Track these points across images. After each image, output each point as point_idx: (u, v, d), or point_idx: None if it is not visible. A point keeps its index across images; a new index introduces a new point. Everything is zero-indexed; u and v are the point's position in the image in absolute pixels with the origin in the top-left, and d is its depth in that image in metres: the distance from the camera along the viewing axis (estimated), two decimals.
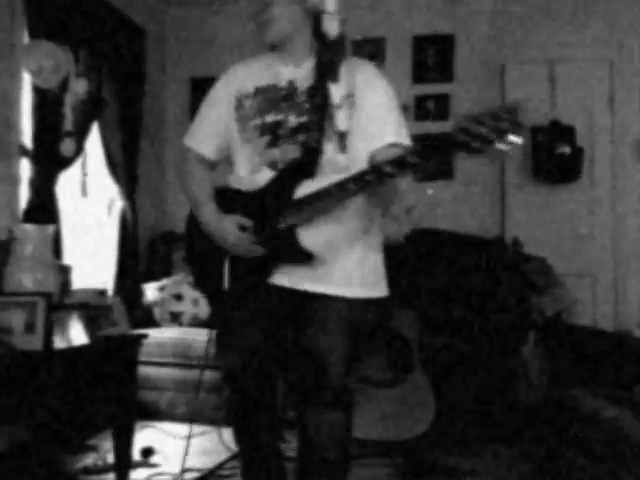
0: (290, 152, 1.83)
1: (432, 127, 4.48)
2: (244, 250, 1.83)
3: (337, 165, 1.81)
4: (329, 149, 1.81)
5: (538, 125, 4.27)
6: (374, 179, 1.60)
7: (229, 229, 1.84)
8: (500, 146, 1.40)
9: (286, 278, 1.85)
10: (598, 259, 4.30)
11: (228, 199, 1.92)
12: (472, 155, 1.46)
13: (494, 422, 3.28)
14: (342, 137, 1.82)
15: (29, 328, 2.30)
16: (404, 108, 1.79)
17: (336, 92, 1.81)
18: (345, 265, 1.85)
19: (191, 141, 2.01)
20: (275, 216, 1.80)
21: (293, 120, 1.84)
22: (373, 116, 1.85)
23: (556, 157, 4.18)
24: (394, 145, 1.82)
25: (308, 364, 1.85)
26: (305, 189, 1.76)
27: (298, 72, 1.89)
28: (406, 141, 1.85)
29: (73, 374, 2.37)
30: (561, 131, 4.19)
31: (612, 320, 4.23)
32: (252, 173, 1.88)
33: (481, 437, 3.22)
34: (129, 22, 4.16)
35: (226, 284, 1.91)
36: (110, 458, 2.78)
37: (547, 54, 4.40)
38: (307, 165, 1.80)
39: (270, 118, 1.86)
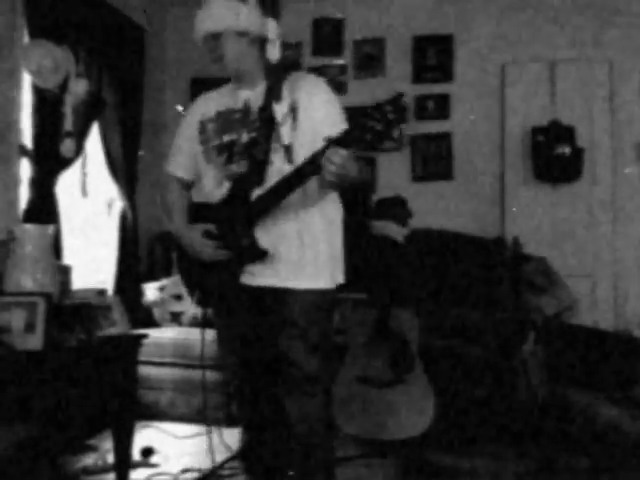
0: (244, 166, 2.05)
1: (432, 127, 4.49)
2: (208, 255, 2.05)
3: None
4: (277, 160, 2.02)
5: (538, 125, 4.27)
6: (295, 180, 1.88)
7: (194, 237, 2.07)
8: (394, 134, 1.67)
9: (251, 277, 2.04)
10: (598, 259, 4.30)
11: (199, 212, 2.15)
12: (372, 149, 1.64)
13: (494, 422, 3.27)
14: (287, 150, 2.03)
15: (29, 328, 2.30)
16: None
17: (279, 110, 2.04)
18: (313, 260, 2.04)
19: (169, 167, 2.28)
20: (235, 222, 2.02)
21: (245, 137, 2.06)
22: (314, 122, 2.03)
23: (556, 157, 4.19)
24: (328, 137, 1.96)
25: (279, 358, 2.06)
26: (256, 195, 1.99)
27: (252, 94, 2.11)
28: (341, 127, 1.93)
29: (73, 374, 2.37)
30: (561, 131, 4.19)
31: (612, 320, 4.23)
32: (215, 187, 2.10)
33: (481, 437, 3.22)
34: (129, 22, 4.16)
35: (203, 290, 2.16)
36: (110, 458, 2.78)
37: (547, 54, 4.40)
38: (255, 175, 2.02)
39: (227, 138, 2.09)
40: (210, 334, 3.63)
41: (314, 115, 2.03)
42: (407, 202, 3.72)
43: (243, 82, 2.13)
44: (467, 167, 4.44)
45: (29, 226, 2.69)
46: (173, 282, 4.13)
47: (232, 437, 3.10)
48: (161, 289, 4.08)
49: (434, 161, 4.49)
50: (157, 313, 4.04)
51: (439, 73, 4.52)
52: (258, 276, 2.03)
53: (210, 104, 2.19)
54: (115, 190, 4.02)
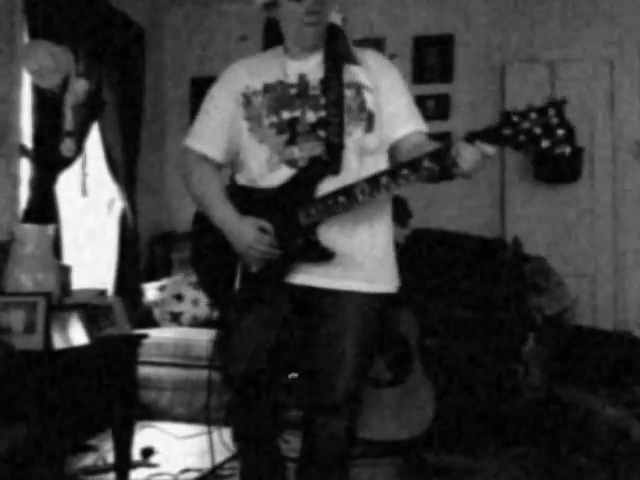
0: (311, 149, 1.78)
1: (432, 127, 4.48)
2: (260, 253, 1.76)
3: (367, 147, 1.81)
4: (357, 132, 1.79)
5: None
6: (410, 173, 1.63)
7: (248, 231, 1.76)
8: (545, 144, 1.51)
9: (300, 276, 1.79)
10: (598, 259, 4.30)
11: (242, 198, 1.84)
12: (520, 151, 1.53)
13: (494, 422, 3.27)
14: (371, 117, 1.81)
15: (29, 328, 2.30)
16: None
17: (358, 74, 1.82)
18: (365, 261, 1.81)
19: (196, 143, 1.92)
20: (296, 214, 1.75)
21: (311, 116, 1.79)
22: (393, 102, 1.86)
23: (556, 157, 4.18)
24: (417, 132, 1.86)
25: (317, 370, 1.82)
26: (328, 185, 1.73)
27: (307, 65, 1.85)
28: (424, 127, 1.87)
29: (73, 374, 2.37)
30: None
31: (612, 320, 4.23)
32: (269, 172, 1.80)
33: (481, 437, 3.22)
34: (129, 22, 4.16)
35: (236, 287, 1.84)
36: (110, 458, 2.78)
37: (547, 54, 4.40)
38: (330, 161, 1.75)
39: (286, 115, 1.80)
40: (208, 334, 3.62)
41: (392, 98, 1.87)
42: (407, 202, 3.72)
43: (300, 51, 1.85)
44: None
45: (29, 226, 2.69)
46: (173, 282, 4.13)
47: (230, 437, 3.10)
48: (161, 289, 4.08)
49: None
50: (157, 313, 4.04)
51: (439, 73, 4.52)
52: (312, 274, 1.78)
53: (253, 74, 1.88)
54: (115, 190, 4.02)
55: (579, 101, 4.34)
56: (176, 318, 4.02)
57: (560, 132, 1.53)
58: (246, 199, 1.83)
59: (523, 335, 3.55)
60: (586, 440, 2.83)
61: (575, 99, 4.33)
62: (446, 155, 1.58)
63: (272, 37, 1.97)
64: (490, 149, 1.57)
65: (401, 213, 3.67)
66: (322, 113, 1.78)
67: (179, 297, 4.05)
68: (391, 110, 1.86)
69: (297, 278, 1.79)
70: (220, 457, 2.91)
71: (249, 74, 1.88)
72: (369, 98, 1.82)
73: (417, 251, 4.00)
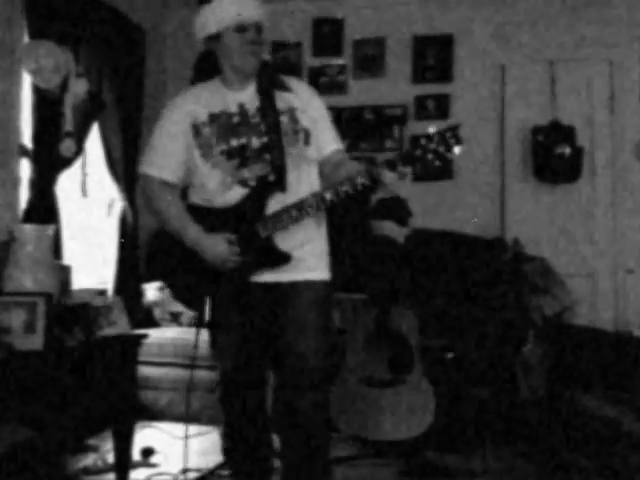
0: (258, 170, 2.07)
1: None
2: (230, 264, 2.06)
3: (308, 157, 2.14)
4: (296, 149, 2.10)
5: (538, 125, 4.27)
6: (349, 189, 1.96)
7: (220, 247, 2.05)
8: (448, 155, 1.90)
9: (264, 275, 2.10)
10: (598, 259, 4.30)
11: (201, 216, 2.10)
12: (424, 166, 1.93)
13: (494, 422, 3.27)
14: (307, 133, 2.13)
15: (29, 328, 2.30)
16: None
17: (290, 98, 2.13)
18: (312, 256, 2.13)
19: (153, 169, 2.15)
20: (254, 227, 2.05)
21: (256, 142, 2.08)
22: (319, 124, 2.17)
23: (556, 157, 4.18)
24: (339, 150, 2.21)
25: (288, 345, 2.10)
26: (277, 200, 2.05)
27: (244, 95, 2.12)
28: (342, 146, 2.24)
29: (73, 374, 2.37)
30: (561, 131, 4.19)
31: (612, 320, 4.23)
32: (223, 191, 2.08)
33: (481, 437, 3.22)
34: (129, 22, 4.16)
35: (210, 294, 2.16)
36: (110, 458, 2.79)
37: (547, 54, 4.40)
38: (277, 181, 2.06)
39: (234, 142, 2.07)
40: (206, 334, 3.62)
41: (318, 119, 2.17)
42: (407, 202, 3.72)
43: (237, 81, 2.13)
44: (467, 167, 4.44)
45: (29, 226, 2.69)
46: None
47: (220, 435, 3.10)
48: (161, 289, 4.08)
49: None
50: (157, 313, 4.04)
51: (439, 73, 4.52)
52: (275, 273, 2.09)
53: (197, 105, 2.12)
54: (115, 190, 4.02)
55: (579, 101, 4.34)
56: (176, 318, 4.02)
57: (456, 149, 1.94)
58: (205, 217, 2.10)
59: (523, 335, 3.55)
60: (586, 440, 2.83)
61: (575, 99, 4.34)
62: (375, 173, 1.95)
63: (205, 70, 2.26)
64: (408, 170, 1.97)
65: (401, 213, 3.67)
66: (265, 139, 2.07)
67: None
68: (318, 131, 2.17)
69: (262, 277, 2.10)
70: (220, 457, 2.91)
71: (194, 105, 2.13)
72: (303, 118, 2.13)
73: (417, 251, 4.01)
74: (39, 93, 3.17)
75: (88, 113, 3.58)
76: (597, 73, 4.33)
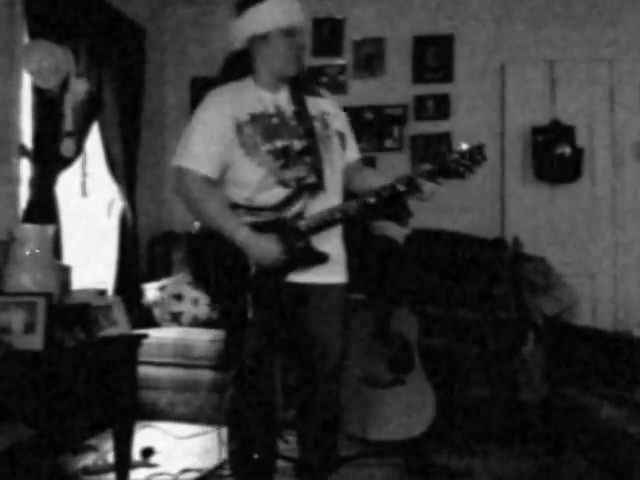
0: (298, 172, 2.13)
1: (432, 127, 4.49)
2: (279, 262, 2.10)
3: (339, 162, 2.24)
4: (332, 151, 2.20)
5: (538, 125, 4.27)
6: (389, 194, 2.12)
7: (272, 245, 2.08)
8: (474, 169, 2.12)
9: (300, 276, 2.16)
10: (598, 259, 4.30)
11: (244, 215, 2.13)
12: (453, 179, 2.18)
13: (494, 422, 3.27)
14: (342, 136, 2.26)
15: (29, 328, 2.30)
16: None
17: (321, 104, 2.24)
18: (338, 260, 2.24)
19: (192, 164, 2.11)
20: (297, 227, 2.12)
21: (297, 144, 2.14)
22: (344, 129, 2.30)
23: (556, 157, 4.18)
24: (359, 159, 2.37)
25: (314, 343, 2.22)
26: (316, 201, 2.13)
27: (279, 98, 2.19)
28: (358, 154, 2.40)
29: (73, 374, 2.37)
30: (561, 131, 4.20)
31: (612, 320, 4.23)
32: (264, 190, 2.12)
33: (481, 437, 3.22)
34: (129, 22, 4.16)
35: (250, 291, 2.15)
36: (110, 458, 2.79)
37: (547, 54, 4.40)
38: (318, 182, 2.14)
39: (279, 144, 2.12)
40: (208, 334, 3.64)
41: (343, 129, 2.29)
42: (407, 202, 3.71)
43: (273, 84, 2.19)
44: None
45: (29, 226, 2.69)
46: (173, 282, 4.13)
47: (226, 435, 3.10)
48: (161, 289, 4.08)
49: None
50: (157, 313, 4.04)
51: (439, 73, 4.52)
52: (308, 274, 2.18)
53: (237, 104, 2.14)
54: (115, 190, 4.02)
55: (579, 101, 4.34)
56: (176, 318, 4.02)
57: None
58: (244, 215, 2.13)
59: (523, 335, 3.55)
60: (586, 440, 2.83)
61: (575, 99, 4.34)
62: (416, 182, 2.14)
63: (236, 69, 2.25)
64: (442, 181, 2.18)
65: (401, 213, 3.67)
66: (304, 142, 2.15)
67: (179, 297, 4.05)
68: (345, 137, 2.29)
69: (294, 277, 2.16)
70: (220, 457, 2.92)
71: (234, 104, 2.14)
72: (334, 122, 2.25)
73: (417, 251, 4.01)
74: (39, 93, 3.17)
75: (88, 113, 3.58)
76: (597, 73, 4.33)
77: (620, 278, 4.28)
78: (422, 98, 4.50)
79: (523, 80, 4.40)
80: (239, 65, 2.24)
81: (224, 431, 3.20)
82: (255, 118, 2.12)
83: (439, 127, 4.49)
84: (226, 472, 2.81)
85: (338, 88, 4.52)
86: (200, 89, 4.69)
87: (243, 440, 2.28)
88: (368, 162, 4.46)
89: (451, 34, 4.51)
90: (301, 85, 2.23)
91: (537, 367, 3.43)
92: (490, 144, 4.46)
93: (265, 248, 2.08)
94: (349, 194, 2.28)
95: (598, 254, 4.30)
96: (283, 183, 2.11)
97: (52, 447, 2.32)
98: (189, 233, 2.27)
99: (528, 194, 4.36)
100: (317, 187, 2.14)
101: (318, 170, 2.14)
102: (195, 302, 4.05)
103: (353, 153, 2.34)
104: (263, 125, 2.12)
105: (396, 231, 3.61)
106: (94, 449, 3.04)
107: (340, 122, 2.28)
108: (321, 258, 2.14)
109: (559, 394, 3.08)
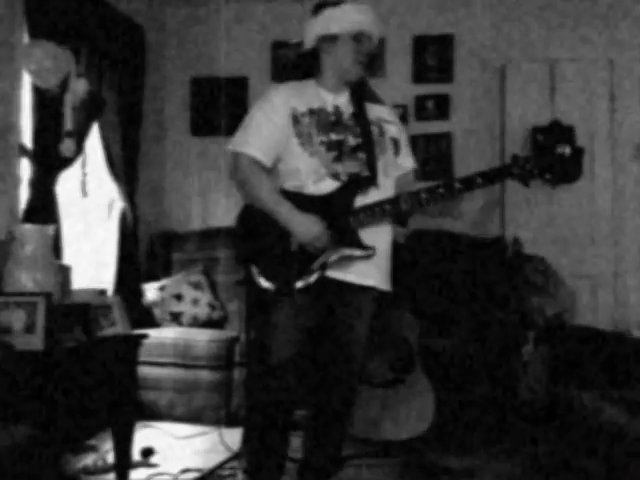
0: (351, 167, 2.17)
1: (432, 127, 4.48)
2: (321, 243, 2.11)
3: (392, 166, 2.27)
4: (385, 157, 2.24)
5: (538, 125, 4.27)
6: (445, 192, 2.09)
7: (315, 225, 2.11)
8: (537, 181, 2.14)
9: (338, 272, 2.17)
10: (598, 259, 4.30)
11: (294, 201, 2.16)
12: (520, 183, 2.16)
13: (494, 422, 3.27)
14: (396, 143, 2.31)
15: (29, 328, 2.30)
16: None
17: (380, 111, 2.32)
18: (381, 265, 2.24)
19: (250, 149, 2.19)
20: (346, 217, 2.13)
21: (352, 140, 2.19)
22: (401, 140, 2.33)
23: (556, 157, 4.18)
24: (413, 170, 2.39)
25: (340, 343, 2.26)
26: (365, 197, 2.15)
27: (339, 99, 2.26)
28: (414, 164, 2.41)
29: (73, 374, 2.37)
30: (561, 131, 4.19)
31: (612, 320, 4.23)
32: (316, 181, 2.16)
33: (481, 437, 3.22)
34: (129, 22, 4.16)
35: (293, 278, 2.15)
36: (110, 458, 2.78)
37: (547, 54, 4.40)
38: (371, 177, 2.17)
39: (334, 137, 2.18)
40: (208, 334, 3.63)
41: (399, 137, 2.33)
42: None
43: (335, 86, 2.26)
44: (467, 167, 4.43)
45: (29, 226, 2.69)
46: (173, 282, 4.14)
47: (232, 437, 3.11)
48: (161, 289, 4.08)
49: (434, 161, 4.49)
50: (157, 313, 4.04)
51: (439, 73, 4.52)
52: (346, 273, 2.18)
53: (297, 98, 2.22)
54: (115, 190, 4.02)
55: (579, 101, 4.34)
56: (176, 318, 4.02)
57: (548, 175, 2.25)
58: (297, 202, 2.15)
59: (523, 335, 3.55)
60: (586, 440, 2.83)
61: (575, 99, 4.34)
62: (474, 181, 2.09)
63: (302, 69, 2.36)
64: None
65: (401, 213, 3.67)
66: (359, 139, 2.19)
67: (179, 297, 4.05)
68: (400, 144, 2.33)
69: (335, 274, 2.16)
70: (220, 457, 2.92)
71: (294, 97, 2.23)
72: (392, 129, 2.30)
73: (417, 251, 4.01)
74: (39, 93, 3.17)
75: (88, 113, 3.58)
76: (597, 73, 4.34)
77: (620, 278, 4.28)
78: (422, 98, 4.50)
79: (523, 80, 4.40)
80: (306, 65, 2.34)
81: (224, 431, 3.22)
82: (313, 112, 2.20)
83: (439, 127, 4.49)
84: (226, 472, 2.81)
85: None
86: (201, 90, 4.71)
87: (259, 440, 2.29)
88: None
89: (451, 34, 4.51)
90: (362, 91, 2.31)
91: (537, 367, 3.43)
92: (490, 144, 4.46)
93: (308, 226, 2.10)
94: None
95: (598, 254, 4.30)
96: (335, 176, 2.15)
97: (52, 447, 2.32)
98: (238, 213, 2.30)
99: (528, 194, 4.36)
100: (369, 182, 2.16)
101: (372, 166, 2.17)
102: (195, 302, 4.06)
103: (408, 161, 2.37)
104: (320, 119, 2.19)
105: (396, 231, 3.60)
106: (94, 449, 3.04)
107: (396, 130, 2.32)
108: (365, 248, 2.13)
109: (559, 394, 3.08)
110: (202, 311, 4.05)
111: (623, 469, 2.40)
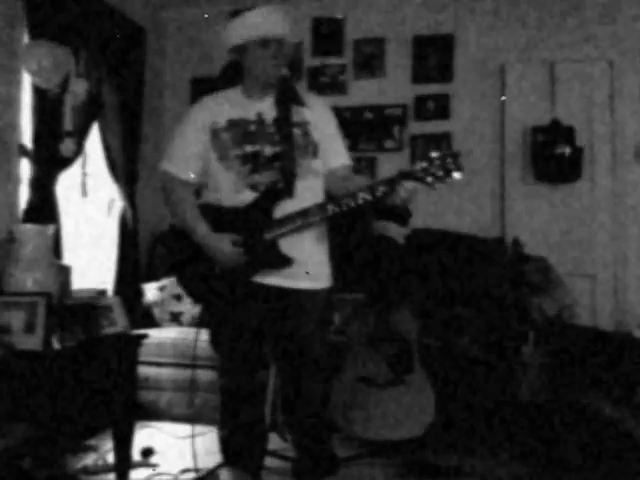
0: (269, 177, 2.21)
1: (432, 127, 4.48)
2: (234, 262, 2.20)
3: (315, 170, 2.28)
4: (305, 161, 2.24)
5: (538, 125, 4.27)
6: (351, 203, 2.10)
7: (225, 246, 2.19)
8: (447, 180, 2.10)
9: (271, 278, 2.24)
10: (598, 259, 4.30)
11: (213, 215, 2.25)
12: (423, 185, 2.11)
13: (494, 422, 3.27)
14: (315, 147, 2.28)
15: (29, 328, 2.30)
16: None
17: (304, 113, 2.27)
18: (313, 265, 2.28)
19: (171, 167, 2.33)
20: (261, 231, 2.19)
21: (269, 150, 2.22)
22: (329, 137, 2.32)
23: (556, 157, 4.18)
24: (346, 165, 2.36)
25: (293, 345, 2.30)
26: (284, 206, 2.18)
27: (263, 105, 2.28)
28: (350, 162, 2.39)
29: (73, 374, 2.37)
30: (561, 131, 4.19)
31: (612, 320, 4.23)
32: (234, 194, 2.22)
33: (481, 437, 3.22)
34: (129, 22, 4.16)
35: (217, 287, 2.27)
36: (110, 458, 2.78)
37: (547, 54, 4.40)
38: (286, 188, 2.20)
39: (249, 149, 2.22)
40: (206, 334, 3.61)
41: (329, 133, 2.32)
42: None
43: (258, 92, 2.28)
44: (467, 167, 4.42)
45: (29, 226, 2.69)
46: (173, 282, 4.13)
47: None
48: (161, 289, 4.08)
49: None
50: (157, 313, 4.04)
51: (439, 73, 4.52)
52: (272, 276, 2.24)
53: (218, 111, 2.28)
54: (115, 190, 4.02)
55: (579, 101, 4.34)
56: (176, 318, 4.02)
57: (456, 175, 2.15)
58: (215, 216, 2.24)
59: (523, 335, 3.54)
60: (586, 440, 2.83)
61: (575, 99, 4.34)
62: (378, 189, 2.08)
63: (230, 78, 2.39)
64: (412, 185, 2.10)
65: (401, 212, 3.67)
66: (277, 148, 2.22)
67: (179, 297, 4.05)
68: (328, 145, 2.31)
69: (266, 279, 2.24)
70: (220, 457, 2.91)
71: (215, 111, 2.28)
72: (314, 132, 2.28)
73: (417, 251, 4.00)
74: (39, 93, 3.17)
75: (88, 113, 3.58)
76: (597, 73, 4.33)
77: (620, 278, 4.28)
78: (422, 98, 4.50)
79: (523, 80, 4.40)
80: (233, 73, 2.36)
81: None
82: (233, 124, 2.25)
83: (439, 127, 4.49)
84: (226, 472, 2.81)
85: (338, 88, 4.52)
86: (200, 90, 4.71)
87: (232, 428, 2.43)
88: (369, 162, 4.47)
89: (451, 34, 4.51)
90: (286, 94, 2.30)
91: (537, 367, 3.43)
92: (490, 144, 4.46)
93: (220, 247, 2.19)
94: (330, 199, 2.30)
95: (598, 254, 4.30)
96: (253, 187, 2.21)
97: (52, 447, 2.32)
98: (162, 232, 2.47)
99: (528, 194, 4.36)
100: (284, 193, 2.20)
101: (288, 176, 2.20)
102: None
103: (339, 159, 2.36)
104: (239, 131, 2.24)
105: (396, 231, 3.61)
106: (94, 449, 3.04)
107: (321, 131, 2.30)
108: (284, 261, 2.19)
109: (559, 394, 3.08)
110: None
111: (623, 469, 2.40)
